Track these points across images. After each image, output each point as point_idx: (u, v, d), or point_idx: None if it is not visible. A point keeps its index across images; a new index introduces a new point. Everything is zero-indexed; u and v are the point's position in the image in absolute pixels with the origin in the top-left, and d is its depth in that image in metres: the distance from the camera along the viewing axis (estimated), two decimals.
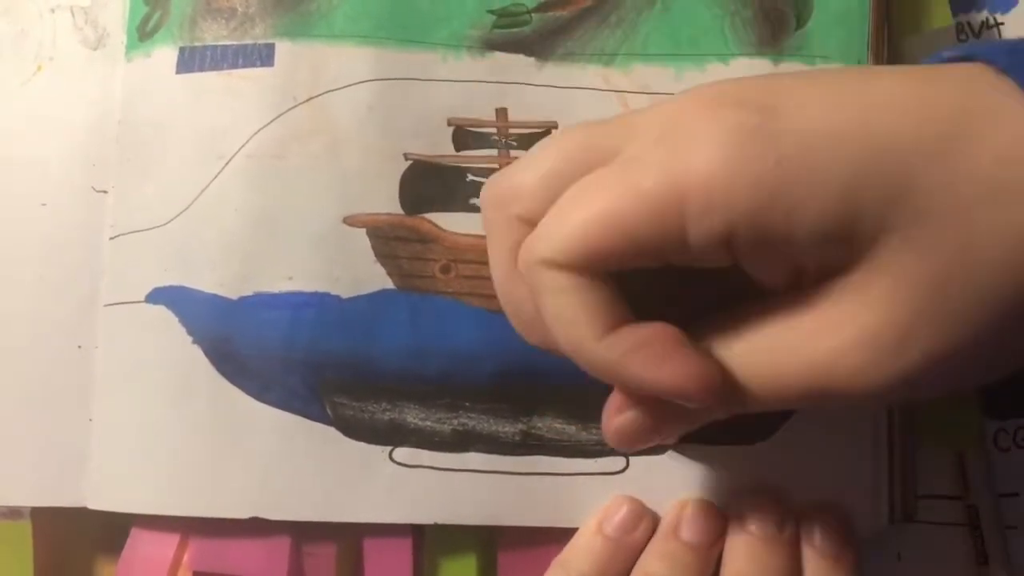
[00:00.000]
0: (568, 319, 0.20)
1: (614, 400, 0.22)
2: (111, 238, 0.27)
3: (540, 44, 0.27)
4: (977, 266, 0.19)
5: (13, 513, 0.28)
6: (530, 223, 0.21)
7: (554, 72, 0.27)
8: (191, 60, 0.27)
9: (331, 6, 0.27)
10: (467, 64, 0.27)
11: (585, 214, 0.20)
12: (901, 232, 0.19)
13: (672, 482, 0.25)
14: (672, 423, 0.22)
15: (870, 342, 0.19)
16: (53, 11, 0.29)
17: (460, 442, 0.26)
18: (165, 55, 0.27)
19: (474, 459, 0.26)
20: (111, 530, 0.27)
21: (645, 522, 0.25)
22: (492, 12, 0.27)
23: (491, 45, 0.27)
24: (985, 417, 0.28)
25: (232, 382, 0.26)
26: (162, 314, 0.26)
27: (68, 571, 0.28)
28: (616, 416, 0.22)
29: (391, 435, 0.26)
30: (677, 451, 0.26)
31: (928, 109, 0.19)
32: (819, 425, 0.25)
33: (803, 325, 0.20)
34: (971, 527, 0.27)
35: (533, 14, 0.27)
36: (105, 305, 0.27)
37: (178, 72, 0.27)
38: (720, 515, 0.25)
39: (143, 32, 0.28)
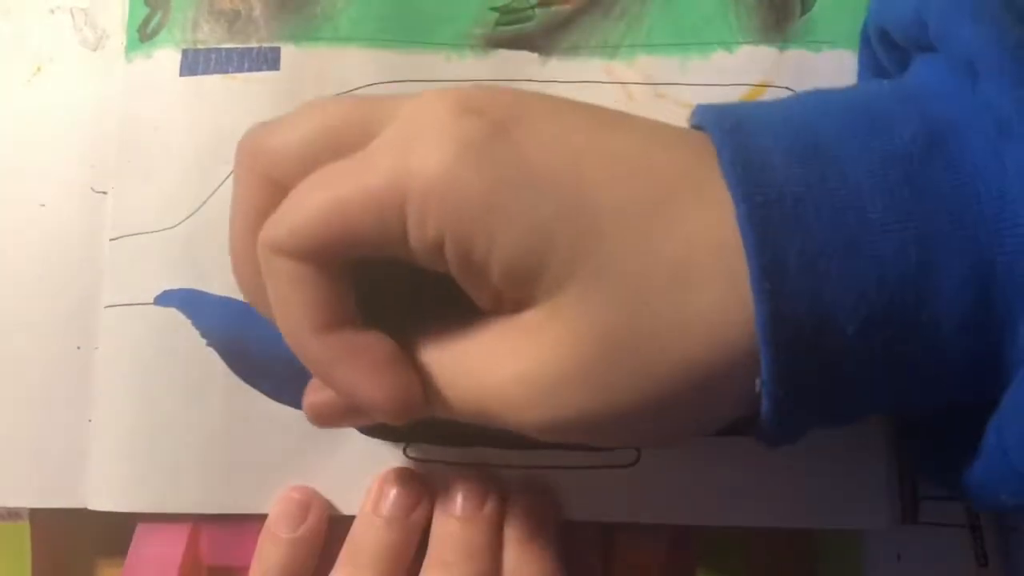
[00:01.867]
0: (289, 307, 0.21)
1: (316, 380, 0.23)
2: (111, 239, 0.28)
3: (544, 39, 0.28)
4: (645, 338, 0.19)
5: (11, 514, 0.29)
6: (277, 187, 0.21)
7: (559, 67, 0.28)
8: (195, 63, 0.28)
9: (335, 9, 0.27)
10: (471, 63, 0.27)
11: (315, 202, 0.20)
12: (582, 285, 0.19)
13: (683, 475, 0.26)
14: (362, 417, 0.23)
15: (529, 380, 0.20)
16: (53, 12, 0.30)
17: (471, 437, 0.27)
18: (167, 57, 0.28)
19: (485, 453, 0.27)
20: (110, 531, 0.28)
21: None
22: (495, 9, 0.28)
23: (495, 43, 0.28)
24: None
25: (247, 382, 0.27)
26: (170, 316, 0.27)
27: (67, 573, 0.29)
28: (314, 394, 0.23)
29: (404, 431, 0.27)
30: (687, 444, 0.26)
31: (642, 179, 0.20)
32: None
33: (487, 348, 0.21)
34: (971, 528, 0.27)
35: (536, 9, 0.28)
36: (106, 307, 0.28)
37: (182, 74, 0.28)
38: (419, 490, 0.26)
39: (144, 33, 0.28)
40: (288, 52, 0.27)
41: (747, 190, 0.19)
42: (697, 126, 0.21)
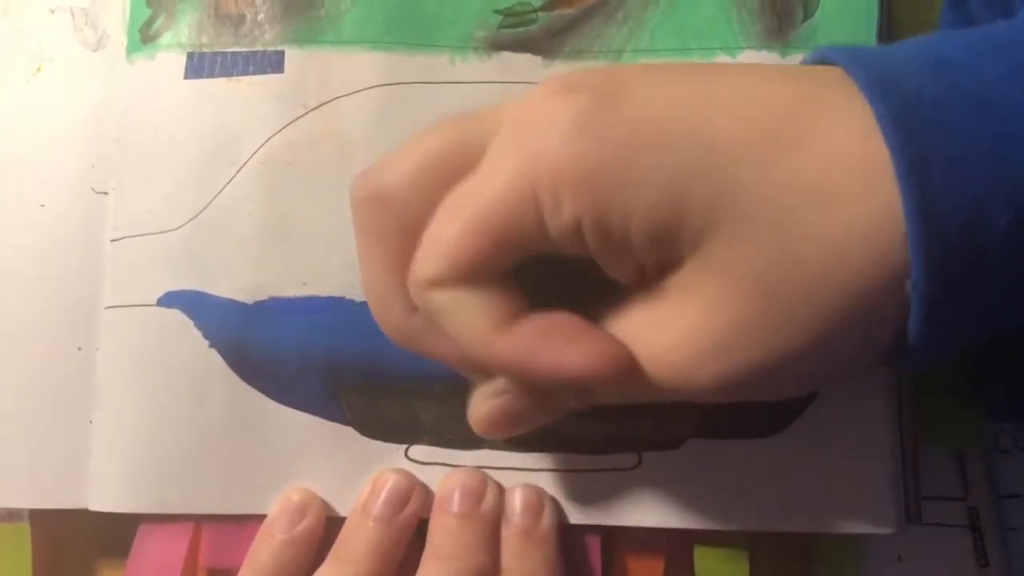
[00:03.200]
0: (466, 328, 0.21)
1: (488, 387, 0.23)
2: (112, 240, 0.28)
3: (547, 42, 0.28)
4: (800, 271, 0.19)
5: (12, 515, 0.29)
6: (410, 231, 0.22)
7: (562, 70, 0.28)
8: (200, 66, 0.28)
9: (339, 12, 0.28)
10: (475, 65, 0.28)
11: (455, 227, 0.21)
12: (725, 233, 0.19)
13: (685, 478, 0.26)
14: (547, 410, 0.23)
15: (695, 339, 0.20)
16: (53, 12, 0.30)
17: (473, 439, 0.27)
18: (171, 59, 0.28)
19: (486, 456, 0.27)
20: (111, 532, 0.28)
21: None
22: (499, 12, 0.28)
23: (498, 45, 0.28)
24: (986, 418, 0.28)
25: (250, 384, 0.27)
26: (173, 317, 0.27)
27: (68, 574, 0.29)
28: (486, 402, 0.23)
29: (406, 433, 0.27)
30: (689, 447, 0.26)
31: (759, 110, 0.20)
32: (834, 420, 0.26)
33: (638, 321, 0.21)
34: (972, 528, 0.28)
35: (540, 12, 0.28)
36: (107, 307, 0.28)
37: (187, 77, 0.28)
38: (409, 490, 0.26)
39: (146, 35, 0.28)
40: (292, 55, 0.28)
41: (884, 93, 0.19)
42: (807, 61, 0.21)
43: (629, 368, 0.21)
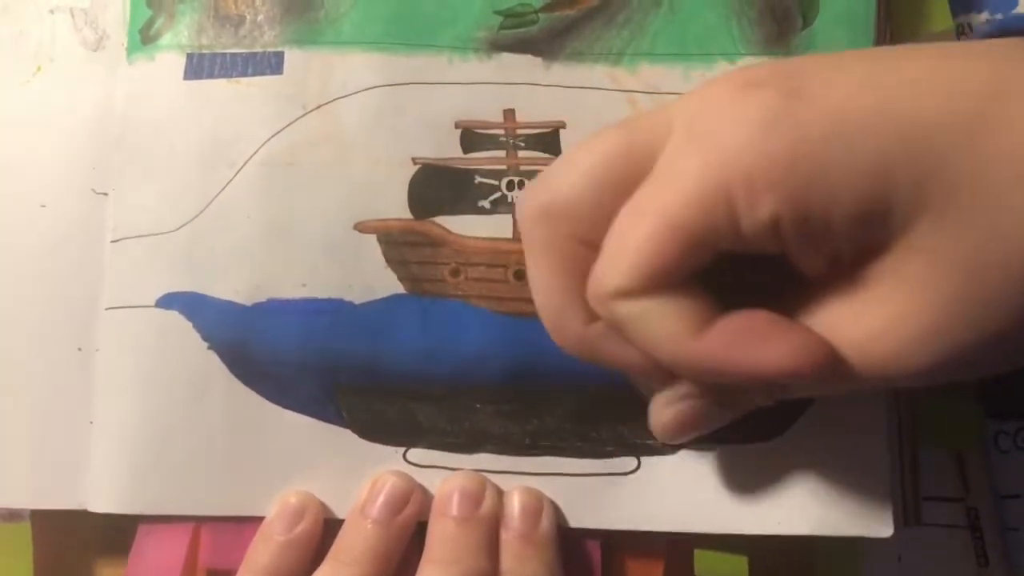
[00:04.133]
0: (660, 336, 0.21)
1: (670, 392, 0.23)
2: (113, 241, 0.28)
3: (547, 44, 0.28)
4: (1010, 248, 0.19)
5: (13, 515, 0.29)
6: (583, 242, 0.22)
7: (562, 72, 0.28)
8: (199, 67, 0.28)
9: (338, 13, 0.28)
10: (474, 66, 0.28)
11: (642, 234, 0.20)
12: (933, 213, 0.19)
13: (683, 482, 0.26)
14: (732, 409, 0.23)
15: (902, 325, 0.20)
16: (53, 12, 0.30)
17: (472, 443, 0.27)
18: (171, 60, 0.28)
19: (485, 459, 0.27)
20: (111, 533, 0.28)
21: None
22: (499, 13, 0.28)
23: (498, 46, 0.28)
24: (986, 418, 0.28)
25: (248, 386, 0.27)
26: (172, 318, 0.27)
27: (68, 574, 0.29)
28: (668, 408, 0.23)
29: (405, 436, 0.27)
30: (687, 451, 0.27)
31: (958, 88, 0.19)
32: (831, 423, 0.26)
33: (841, 311, 0.21)
34: (971, 529, 0.28)
35: (540, 14, 0.28)
36: (107, 308, 0.28)
37: (186, 78, 0.28)
38: (408, 493, 0.26)
39: (146, 36, 0.29)
40: (291, 56, 0.28)
41: None
42: (990, 34, 0.21)
43: (832, 362, 0.20)
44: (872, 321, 0.20)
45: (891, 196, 0.19)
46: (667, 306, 0.21)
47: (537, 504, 0.26)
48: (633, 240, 0.20)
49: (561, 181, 0.22)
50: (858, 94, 0.19)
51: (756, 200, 0.19)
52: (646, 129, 0.21)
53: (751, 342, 0.20)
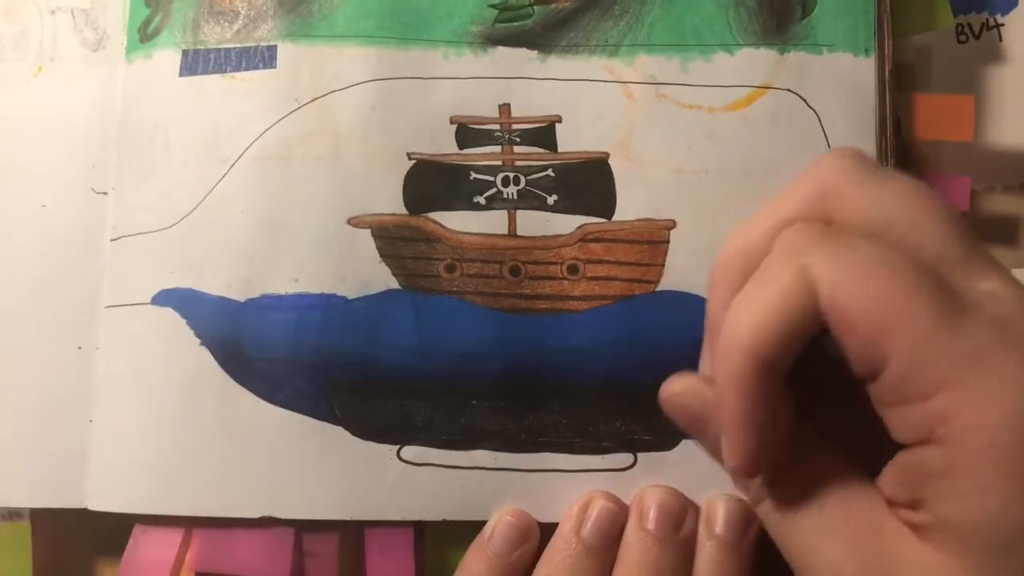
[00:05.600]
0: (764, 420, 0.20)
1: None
2: (112, 240, 0.28)
3: (543, 37, 0.28)
4: None
5: (12, 514, 0.29)
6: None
7: (557, 65, 0.28)
8: (194, 63, 0.28)
9: (332, 7, 0.28)
10: (469, 60, 0.28)
11: (743, 322, 0.19)
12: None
13: (679, 478, 0.26)
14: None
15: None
16: (53, 13, 0.30)
17: (467, 440, 0.27)
18: (167, 57, 0.28)
19: (481, 456, 0.27)
20: (110, 532, 0.28)
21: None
22: (494, 7, 0.28)
23: (493, 40, 0.28)
24: None
25: (241, 383, 0.27)
26: (167, 316, 0.27)
27: (68, 572, 0.29)
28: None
29: (399, 434, 0.27)
30: (684, 447, 0.26)
31: None
32: None
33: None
34: None
35: (535, 7, 0.28)
36: (107, 307, 0.28)
37: (181, 75, 0.28)
38: (619, 516, 0.26)
39: (144, 34, 0.29)
40: (285, 50, 0.28)
41: None
42: None
43: None
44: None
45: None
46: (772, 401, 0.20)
47: (744, 512, 0.26)
48: (738, 326, 0.20)
49: (747, 226, 0.21)
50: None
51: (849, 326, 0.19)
52: (836, 194, 0.20)
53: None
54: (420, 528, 0.27)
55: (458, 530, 0.27)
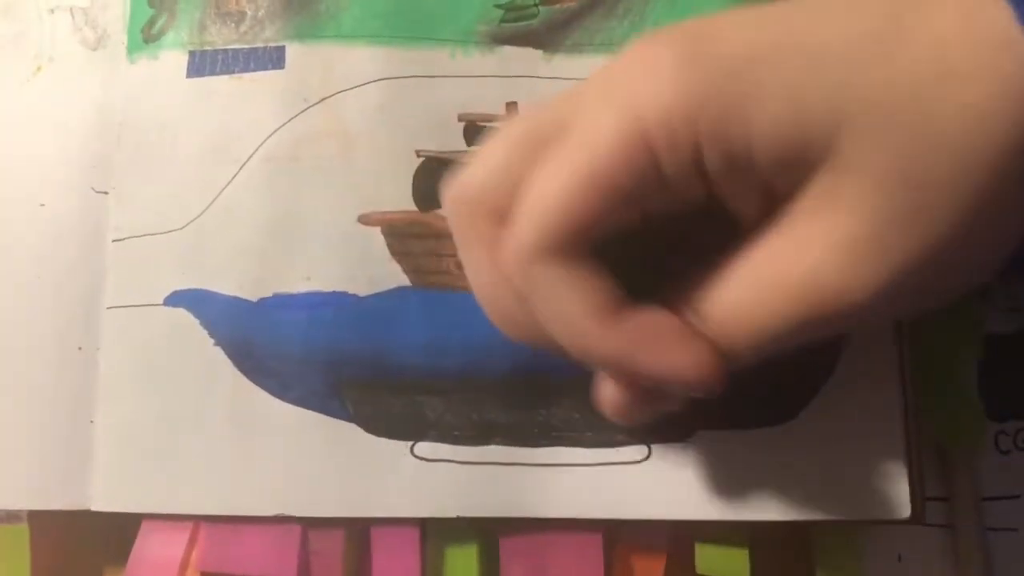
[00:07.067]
0: (570, 312, 0.21)
1: (604, 378, 0.23)
2: (115, 240, 0.28)
3: (548, 36, 0.28)
4: (939, 155, 0.19)
5: (10, 517, 0.29)
6: (500, 217, 0.21)
7: (563, 64, 0.28)
8: (202, 64, 0.28)
9: (339, 7, 0.28)
10: (476, 59, 0.28)
11: (562, 187, 0.20)
12: (858, 128, 0.19)
13: (695, 470, 0.26)
14: (658, 403, 0.23)
15: (847, 249, 0.20)
16: (52, 12, 0.30)
17: (480, 435, 0.27)
18: (174, 58, 0.28)
19: (495, 452, 0.27)
20: (111, 533, 0.28)
21: None
22: (499, 6, 0.28)
23: (499, 39, 0.28)
24: (986, 418, 0.28)
25: (254, 382, 0.27)
26: (177, 316, 0.28)
27: (68, 575, 0.29)
28: (608, 389, 0.23)
29: (412, 430, 0.27)
30: (698, 437, 0.27)
31: (858, 13, 0.20)
32: (844, 407, 0.26)
33: (782, 251, 0.21)
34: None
35: (541, 7, 0.28)
36: (109, 308, 0.28)
37: (189, 76, 0.28)
38: None
39: (148, 34, 0.29)
40: (293, 50, 0.28)
41: None
42: None
43: (724, 376, 0.21)
44: (813, 253, 0.20)
45: (807, 120, 0.19)
46: (581, 279, 0.20)
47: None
48: (553, 192, 0.20)
49: (479, 161, 0.22)
50: (764, 30, 0.20)
51: (675, 138, 0.19)
52: (554, 108, 0.22)
53: (654, 348, 0.21)
54: (425, 527, 0.28)
55: (461, 530, 0.27)
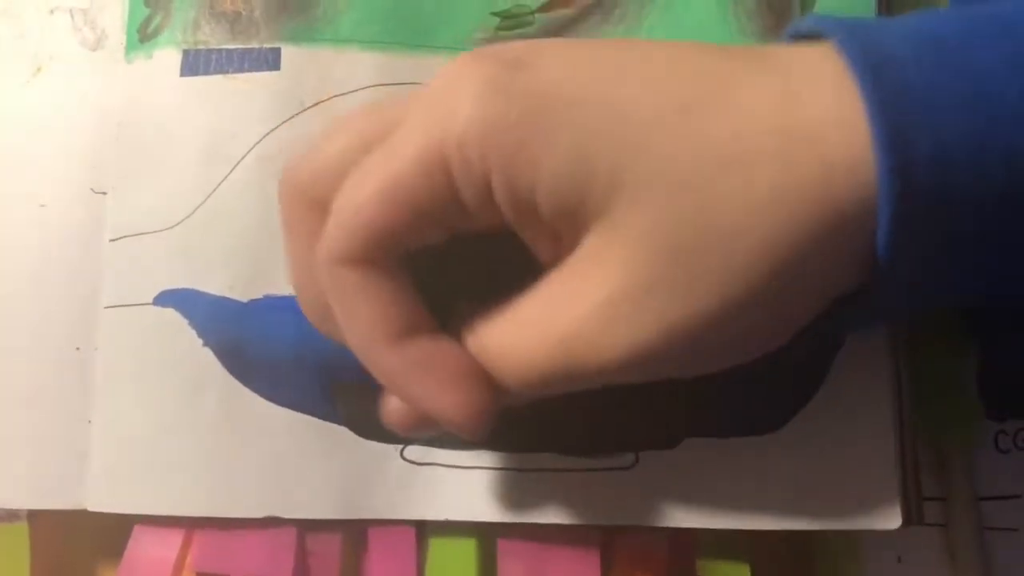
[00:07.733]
0: (360, 319, 0.21)
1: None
2: (111, 240, 0.28)
3: None
4: (714, 233, 0.19)
5: (10, 516, 0.29)
6: (324, 209, 0.21)
7: None
8: (195, 63, 0.28)
9: (336, 11, 0.28)
10: None
11: (363, 196, 0.20)
12: (631, 194, 0.19)
13: (683, 476, 0.26)
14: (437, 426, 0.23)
15: (607, 308, 0.20)
16: (52, 12, 0.30)
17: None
18: (168, 57, 0.29)
19: (484, 456, 0.27)
20: (110, 533, 0.28)
21: None
22: (496, 14, 0.28)
23: None
24: (986, 418, 0.28)
25: (244, 383, 0.27)
26: (168, 316, 0.28)
27: (66, 574, 0.29)
28: (392, 402, 0.23)
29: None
30: (686, 445, 0.26)
31: (673, 79, 0.20)
32: (834, 415, 0.26)
33: (555, 299, 0.21)
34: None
35: (537, 14, 0.28)
36: (105, 307, 0.28)
37: (183, 75, 0.28)
38: None
39: (144, 34, 0.29)
40: (289, 52, 0.28)
41: (875, 77, 0.19)
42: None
43: (485, 426, 0.21)
44: (580, 308, 0.20)
45: (588, 175, 0.19)
46: (377, 292, 0.21)
47: None
48: (356, 201, 0.20)
49: (315, 150, 0.22)
50: (572, 74, 0.20)
51: (468, 163, 0.19)
52: (398, 104, 0.22)
53: (431, 382, 0.21)
54: (422, 523, 0.28)
55: (459, 530, 0.27)
